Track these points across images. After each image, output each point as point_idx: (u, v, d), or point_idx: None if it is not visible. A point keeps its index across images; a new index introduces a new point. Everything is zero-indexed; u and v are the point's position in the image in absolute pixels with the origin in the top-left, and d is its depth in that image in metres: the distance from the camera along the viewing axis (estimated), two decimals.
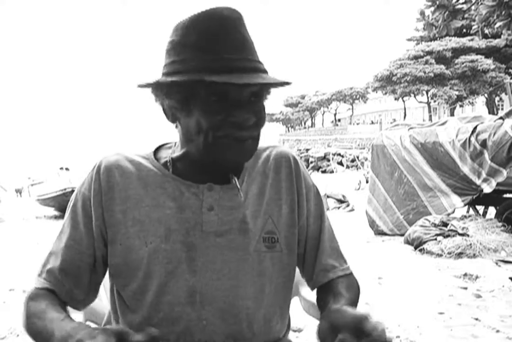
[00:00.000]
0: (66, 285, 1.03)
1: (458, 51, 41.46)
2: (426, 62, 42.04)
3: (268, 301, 1.07)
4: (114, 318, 1.11)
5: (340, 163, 28.19)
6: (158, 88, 0.98)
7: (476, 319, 3.47)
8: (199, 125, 0.95)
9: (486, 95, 41.81)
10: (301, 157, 27.75)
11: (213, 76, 0.90)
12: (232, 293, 1.02)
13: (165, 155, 1.09)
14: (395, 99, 48.52)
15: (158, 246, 1.01)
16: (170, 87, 0.96)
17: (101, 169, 1.05)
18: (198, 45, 0.93)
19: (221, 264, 1.02)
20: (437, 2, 5.22)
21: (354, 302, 1.08)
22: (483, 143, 6.14)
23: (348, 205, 11.35)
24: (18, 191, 23.36)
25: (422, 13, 5.52)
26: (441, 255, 5.53)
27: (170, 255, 1.00)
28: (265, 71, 0.96)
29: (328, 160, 28.33)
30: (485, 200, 6.76)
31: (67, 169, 21.87)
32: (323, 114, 79.88)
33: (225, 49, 0.92)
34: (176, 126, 1.04)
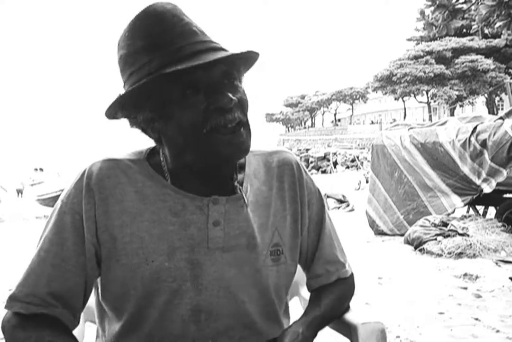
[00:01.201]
0: (58, 307, 0.93)
1: (458, 51, 41.46)
2: (426, 62, 42.04)
3: (275, 313, 1.06)
4: (104, 332, 1.05)
5: (335, 163, 27.92)
6: (126, 104, 0.91)
7: (476, 319, 3.47)
8: (183, 126, 0.89)
9: (486, 95, 41.81)
10: (301, 158, 27.73)
11: (168, 68, 0.85)
12: (239, 310, 0.99)
13: (159, 161, 1.00)
14: (395, 99, 48.52)
15: (162, 265, 0.94)
16: (138, 97, 0.90)
17: (92, 180, 0.95)
18: (147, 47, 0.89)
19: (227, 281, 0.97)
20: (437, 2, 5.22)
21: (330, 310, 1.08)
22: (483, 143, 6.14)
23: (348, 205, 11.36)
24: (19, 191, 23.39)
25: (422, 12, 5.52)
26: (441, 255, 5.53)
27: (174, 273, 0.95)
28: (222, 49, 0.91)
29: (328, 160, 28.34)
30: (485, 200, 6.76)
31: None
32: (323, 114, 79.87)
33: (174, 41, 0.88)
34: (160, 142, 0.97)
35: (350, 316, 1.12)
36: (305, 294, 1.30)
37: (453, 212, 6.72)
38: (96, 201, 0.94)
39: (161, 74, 0.86)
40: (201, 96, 0.88)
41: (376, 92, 49.35)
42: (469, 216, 6.73)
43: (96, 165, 0.97)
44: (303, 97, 78.24)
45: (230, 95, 0.88)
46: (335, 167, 27.39)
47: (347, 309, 1.15)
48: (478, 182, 6.32)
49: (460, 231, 5.89)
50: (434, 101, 44.08)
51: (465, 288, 4.28)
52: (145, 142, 1.05)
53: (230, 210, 0.98)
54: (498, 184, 6.19)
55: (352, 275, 1.16)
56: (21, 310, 0.92)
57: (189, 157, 0.94)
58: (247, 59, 0.95)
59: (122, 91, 0.93)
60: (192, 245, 0.96)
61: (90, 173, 0.96)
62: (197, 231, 0.96)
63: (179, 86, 0.88)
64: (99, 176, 0.95)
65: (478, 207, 7.16)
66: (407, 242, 6.24)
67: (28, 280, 0.95)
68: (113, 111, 0.94)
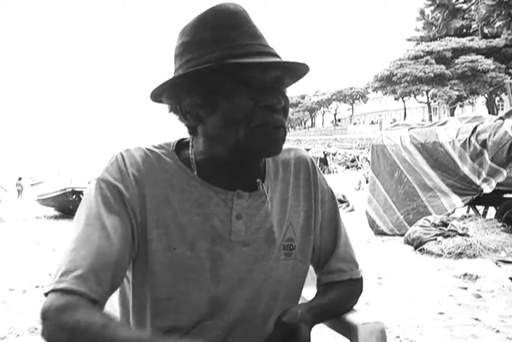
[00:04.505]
0: (104, 286, 0.86)
1: (458, 51, 41.48)
2: (426, 62, 42.06)
3: (279, 308, 1.05)
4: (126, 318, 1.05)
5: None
6: (178, 85, 0.95)
7: (476, 319, 3.47)
8: (228, 118, 0.91)
9: (486, 95, 41.83)
10: None
11: (236, 60, 0.89)
12: (250, 302, 1.01)
13: (187, 154, 1.02)
14: (395, 99, 48.54)
15: (183, 253, 0.95)
16: (192, 81, 0.93)
17: (127, 162, 0.96)
18: (214, 39, 0.92)
19: (245, 274, 0.99)
20: (437, 1, 5.21)
21: (333, 304, 1.08)
22: (483, 144, 6.14)
23: (348, 205, 11.37)
24: (20, 191, 23.50)
25: (422, 12, 5.51)
26: (441, 255, 5.53)
27: (194, 263, 0.96)
28: (280, 57, 0.96)
29: (328, 160, 28.33)
30: (485, 200, 6.76)
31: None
32: (323, 114, 79.87)
33: (240, 38, 0.92)
34: (193, 132, 1.00)
35: (350, 316, 1.11)
36: (306, 294, 1.30)
37: (453, 212, 6.73)
38: (132, 181, 0.95)
39: (222, 64, 0.89)
40: (252, 93, 0.92)
41: (376, 92, 49.37)
42: (469, 216, 6.74)
43: (130, 151, 0.99)
44: (303, 97, 78.20)
45: (280, 97, 0.93)
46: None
47: (351, 308, 1.15)
48: (478, 182, 6.32)
49: (460, 231, 5.90)
50: (434, 101, 44.11)
51: (465, 288, 4.28)
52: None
53: (252, 205, 1.01)
54: (498, 184, 6.19)
55: (361, 278, 1.16)
56: (70, 286, 0.82)
57: (223, 148, 0.96)
58: (296, 72, 1.00)
59: (166, 75, 0.97)
60: (214, 237, 0.97)
61: (125, 157, 0.98)
62: (220, 222, 0.98)
63: (234, 80, 0.91)
64: (134, 160, 0.97)
65: (478, 207, 7.16)
66: (407, 242, 6.25)
67: (74, 256, 0.87)
68: (162, 91, 0.96)
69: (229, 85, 0.91)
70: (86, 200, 0.95)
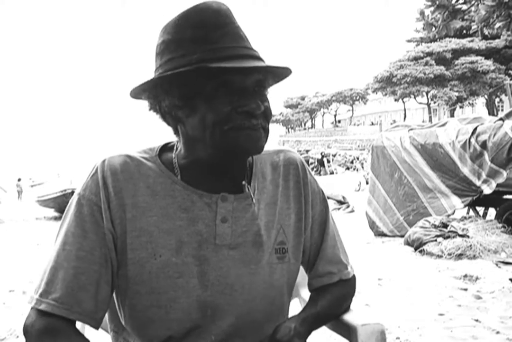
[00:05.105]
0: (86, 305, 0.91)
1: (458, 53, 41.51)
2: (426, 63, 42.08)
3: (277, 312, 1.06)
4: (115, 330, 1.06)
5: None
6: (158, 86, 0.93)
7: (476, 320, 3.46)
8: (205, 120, 0.90)
9: (486, 96, 41.82)
10: None
11: (217, 64, 0.87)
12: (244, 308, 0.99)
13: (171, 158, 1.01)
14: (395, 100, 48.52)
15: (169, 260, 0.95)
16: (172, 83, 0.91)
17: (106, 173, 0.96)
18: (195, 38, 0.90)
19: (234, 278, 0.98)
20: (437, 2, 5.21)
21: (326, 309, 1.08)
22: (483, 145, 6.14)
23: (348, 206, 11.36)
24: (19, 193, 23.55)
25: (421, 13, 5.50)
26: (441, 256, 5.52)
27: (181, 269, 0.95)
28: (263, 60, 0.94)
29: (328, 161, 28.33)
30: (485, 201, 6.76)
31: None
32: (323, 116, 79.87)
33: (222, 40, 0.90)
34: (176, 132, 0.99)
35: (349, 317, 1.11)
36: (305, 295, 1.29)
37: (453, 213, 6.72)
38: (111, 193, 0.95)
39: (203, 67, 0.87)
40: (231, 97, 0.90)
41: (376, 93, 49.36)
42: (469, 217, 6.73)
43: (111, 160, 0.98)
44: (303, 98, 78.21)
45: (259, 102, 0.92)
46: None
47: (346, 310, 1.15)
48: (478, 183, 6.32)
49: (460, 232, 5.89)
50: (434, 102, 44.10)
51: (465, 289, 4.28)
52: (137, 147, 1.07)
53: (237, 208, 0.99)
54: (498, 185, 6.19)
55: (353, 276, 1.16)
56: (48, 309, 0.89)
57: (203, 149, 0.95)
58: (279, 74, 0.99)
59: (151, 74, 0.96)
60: (200, 241, 0.97)
61: (105, 166, 0.97)
62: (205, 227, 0.97)
63: (214, 83, 0.90)
64: (113, 169, 0.96)
65: (478, 208, 7.16)
66: (407, 243, 6.24)
67: (54, 275, 0.92)
68: (142, 90, 0.95)
69: (209, 88, 0.90)
70: (68, 213, 0.97)
